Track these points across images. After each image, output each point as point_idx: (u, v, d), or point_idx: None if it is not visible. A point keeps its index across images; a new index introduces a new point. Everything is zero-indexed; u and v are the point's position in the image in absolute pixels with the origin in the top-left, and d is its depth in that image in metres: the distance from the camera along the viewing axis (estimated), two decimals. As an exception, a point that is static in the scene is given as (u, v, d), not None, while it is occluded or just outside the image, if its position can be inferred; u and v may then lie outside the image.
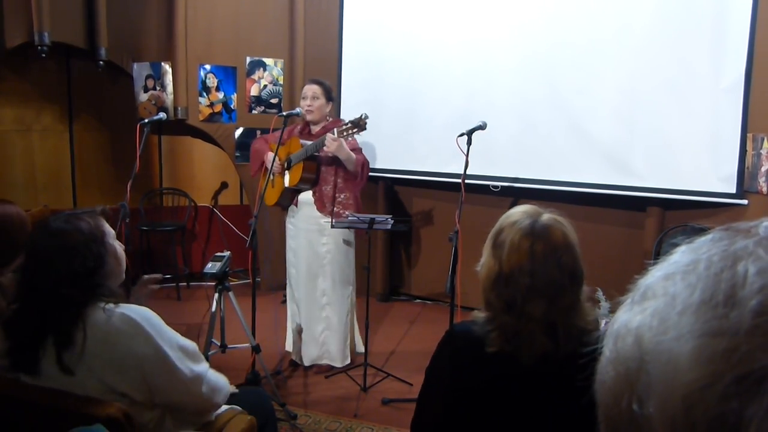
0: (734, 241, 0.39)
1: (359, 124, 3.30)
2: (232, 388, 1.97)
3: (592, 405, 0.45)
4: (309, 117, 3.63)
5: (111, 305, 1.61)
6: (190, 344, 1.72)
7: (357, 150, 3.58)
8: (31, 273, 1.62)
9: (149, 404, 1.64)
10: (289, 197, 3.68)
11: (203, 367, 1.75)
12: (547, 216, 1.39)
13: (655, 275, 0.42)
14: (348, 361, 3.75)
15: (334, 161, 3.53)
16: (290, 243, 3.74)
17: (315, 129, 3.68)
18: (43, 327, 1.59)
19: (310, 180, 3.57)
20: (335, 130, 3.35)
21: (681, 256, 0.42)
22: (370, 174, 3.86)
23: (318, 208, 3.58)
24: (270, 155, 3.60)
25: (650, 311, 0.40)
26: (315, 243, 3.62)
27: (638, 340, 0.39)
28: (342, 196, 3.60)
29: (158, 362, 1.60)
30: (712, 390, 0.34)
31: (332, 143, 3.33)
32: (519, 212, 1.41)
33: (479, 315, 1.44)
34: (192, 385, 1.69)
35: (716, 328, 0.35)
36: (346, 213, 3.55)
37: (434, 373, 1.54)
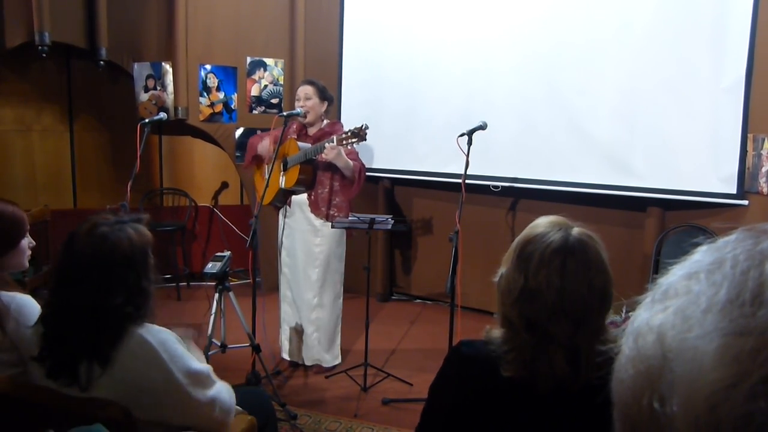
0: (759, 241, 0.39)
1: (359, 134, 3.28)
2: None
3: (607, 404, 0.45)
4: (305, 118, 3.63)
5: (135, 325, 1.53)
6: (203, 368, 1.64)
7: (354, 155, 3.56)
8: (82, 284, 1.50)
9: (155, 422, 1.59)
10: (282, 198, 3.68)
11: (216, 389, 1.67)
12: (578, 230, 1.28)
13: (677, 274, 0.42)
14: (338, 361, 3.76)
15: (331, 166, 3.51)
16: (285, 243, 3.74)
17: (311, 130, 3.67)
18: (86, 341, 1.50)
19: (307, 182, 3.56)
20: (334, 138, 3.34)
21: (703, 255, 0.41)
22: (370, 174, 3.85)
23: (312, 210, 3.58)
24: (263, 142, 3.63)
25: (673, 309, 0.39)
26: (309, 244, 3.62)
27: (660, 337, 0.39)
28: (337, 200, 3.59)
29: (171, 390, 1.54)
30: (737, 389, 0.34)
31: (331, 151, 3.32)
32: (546, 223, 1.30)
33: (495, 334, 1.32)
34: (206, 411, 1.63)
35: (743, 327, 0.35)
36: (341, 215, 3.55)
37: (438, 391, 1.44)
